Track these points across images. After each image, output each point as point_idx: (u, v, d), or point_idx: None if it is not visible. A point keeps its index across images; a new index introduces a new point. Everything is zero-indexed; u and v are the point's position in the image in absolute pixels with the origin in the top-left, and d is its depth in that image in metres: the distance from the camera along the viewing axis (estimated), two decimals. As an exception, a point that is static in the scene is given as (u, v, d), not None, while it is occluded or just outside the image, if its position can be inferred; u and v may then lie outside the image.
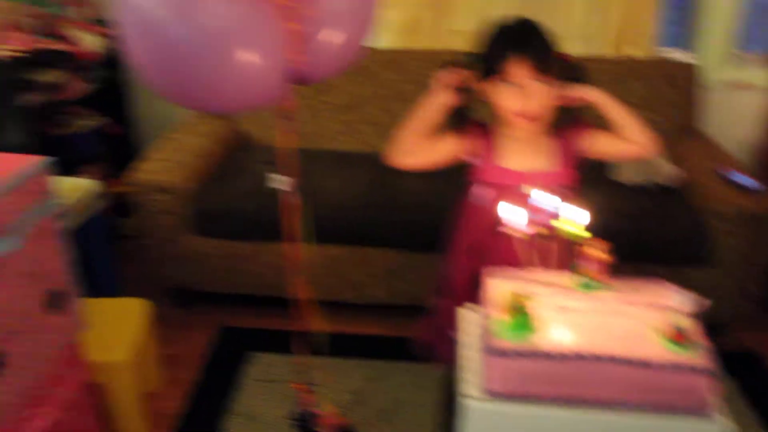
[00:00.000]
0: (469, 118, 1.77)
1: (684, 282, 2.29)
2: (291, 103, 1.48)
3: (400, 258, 2.40)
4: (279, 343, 2.29)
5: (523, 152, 1.72)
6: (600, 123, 1.69)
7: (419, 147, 1.74)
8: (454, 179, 1.99)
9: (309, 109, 2.88)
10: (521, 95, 1.61)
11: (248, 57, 1.28)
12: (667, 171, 2.57)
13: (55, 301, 1.53)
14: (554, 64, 1.61)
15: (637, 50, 2.95)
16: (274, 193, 2.36)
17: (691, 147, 2.70)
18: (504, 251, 1.68)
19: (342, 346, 2.36)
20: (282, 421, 2.04)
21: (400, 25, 2.96)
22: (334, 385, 2.21)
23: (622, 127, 1.66)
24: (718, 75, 3.04)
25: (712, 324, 2.47)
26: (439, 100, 1.68)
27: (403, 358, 2.31)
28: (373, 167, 2.63)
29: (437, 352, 1.96)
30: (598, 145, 1.72)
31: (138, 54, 1.30)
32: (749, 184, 2.32)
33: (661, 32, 2.99)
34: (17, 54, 2.45)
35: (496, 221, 1.47)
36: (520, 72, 1.59)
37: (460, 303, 1.52)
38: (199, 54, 1.25)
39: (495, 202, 1.70)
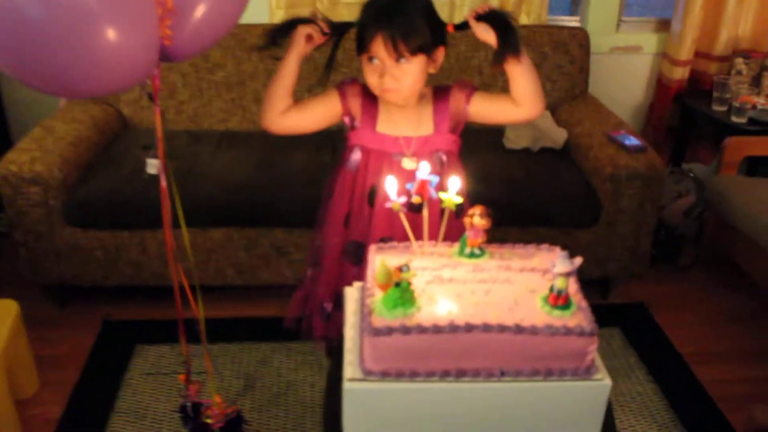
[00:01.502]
0: (351, 79, 1.68)
1: (575, 243, 2.35)
2: (157, 82, 1.40)
3: (287, 237, 2.32)
4: (168, 333, 2.17)
5: (401, 117, 1.64)
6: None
7: (292, 107, 1.63)
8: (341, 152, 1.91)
9: (192, 89, 2.74)
10: (381, 73, 1.53)
11: (114, 35, 1.17)
12: (553, 135, 2.58)
13: None
14: (425, 39, 1.52)
15: (529, 18, 2.95)
16: (151, 178, 2.23)
17: (581, 111, 2.72)
18: (381, 221, 1.62)
19: (231, 331, 2.29)
20: (171, 416, 1.95)
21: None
22: (224, 372, 2.12)
23: (516, 77, 1.57)
24: (606, 40, 3.09)
25: (604, 279, 2.54)
26: (295, 52, 1.58)
27: (295, 338, 2.21)
28: (260, 145, 2.54)
29: (312, 326, 1.86)
30: (484, 109, 1.65)
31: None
32: (637, 145, 2.35)
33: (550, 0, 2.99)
34: None
35: (372, 189, 1.40)
36: (380, 51, 1.51)
37: (333, 274, 1.45)
38: (58, 35, 1.12)
39: (371, 168, 1.64)
